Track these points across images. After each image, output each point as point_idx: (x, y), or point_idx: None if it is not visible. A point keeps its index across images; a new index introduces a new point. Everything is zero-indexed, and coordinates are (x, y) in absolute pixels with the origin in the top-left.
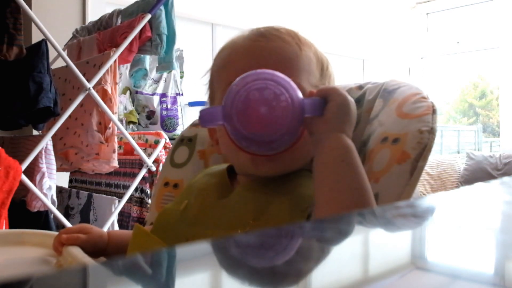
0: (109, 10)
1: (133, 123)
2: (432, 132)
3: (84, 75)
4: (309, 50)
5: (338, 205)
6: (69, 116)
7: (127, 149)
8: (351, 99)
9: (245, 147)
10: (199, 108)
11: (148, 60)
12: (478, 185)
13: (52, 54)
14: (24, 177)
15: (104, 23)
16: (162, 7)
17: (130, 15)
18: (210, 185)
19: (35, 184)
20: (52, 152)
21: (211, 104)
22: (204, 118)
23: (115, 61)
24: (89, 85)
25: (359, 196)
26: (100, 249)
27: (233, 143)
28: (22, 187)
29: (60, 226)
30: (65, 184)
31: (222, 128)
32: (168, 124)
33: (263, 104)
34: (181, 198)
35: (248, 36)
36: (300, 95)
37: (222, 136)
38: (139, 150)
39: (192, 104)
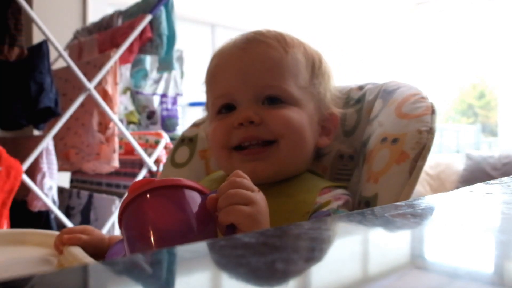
0: (109, 11)
1: (134, 123)
2: (431, 132)
3: (85, 75)
4: (297, 52)
5: None
6: (70, 116)
7: (128, 149)
8: (258, 210)
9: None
10: (200, 108)
11: (149, 61)
12: (478, 185)
13: (53, 54)
14: (25, 177)
15: (105, 24)
16: (162, 8)
17: (130, 15)
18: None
19: (36, 184)
20: (53, 152)
21: (207, 111)
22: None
23: (115, 61)
24: (90, 86)
25: None
26: (100, 252)
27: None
28: (23, 187)
29: (61, 226)
30: (65, 184)
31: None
32: (168, 124)
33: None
34: None
35: (235, 42)
36: None
37: (212, 148)
38: (140, 150)
39: (192, 104)
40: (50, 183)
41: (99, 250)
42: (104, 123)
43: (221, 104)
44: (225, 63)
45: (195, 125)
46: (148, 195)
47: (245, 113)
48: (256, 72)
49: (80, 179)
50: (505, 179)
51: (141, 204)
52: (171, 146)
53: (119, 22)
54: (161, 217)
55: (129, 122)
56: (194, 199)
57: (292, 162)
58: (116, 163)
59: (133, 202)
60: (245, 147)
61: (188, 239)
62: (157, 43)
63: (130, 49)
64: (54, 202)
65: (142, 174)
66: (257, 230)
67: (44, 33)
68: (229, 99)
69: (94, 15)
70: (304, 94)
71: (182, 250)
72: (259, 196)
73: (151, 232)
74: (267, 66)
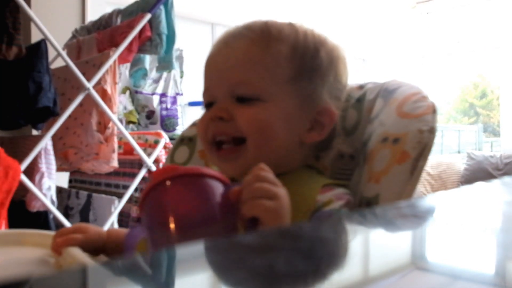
0: (108, 9)
1: (133, 123)
2: (432, 131)
3: (83, 74)
4: (281, 44)
5: None
6: (69, 116)
7: (127, 149)
8: (281, 205)
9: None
10: (199, 108)
11: (148, 60)
12: (479, 184)
13: (51, 53)
14: (23, 177)
15: (104, 22)
16: (162, 7)
17: (130, 14)
18: None
19: (34, 184)
20: (52, 152)
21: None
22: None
23: (114, 60)
24: (89, 85)
25: None
26: (99, 247)
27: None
28: (22, 187)
29: (59, 226)
30: (64, 184)
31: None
32: (168, 124)
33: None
34: None
35: (222, 36)
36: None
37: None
38: (139, 150)
39: (192, 104)
40: (49, 183)
41: (97, 245)
42: (103, 122)
43: (204, 98)
44: (210, 57)
45: (195, 124)
46: (170, 182)
47: (215, 109)
48: (230, 68)
49: (79, 179)
50: (506, 179)
51: (162, 191)
52: (171, 145)
53: (118, 21)
54: (182, 205)
55: (128, 122)
56: (217, 189)
57: (262, 161)
58: (115, 163)
59: (155, 189)
60: (221, 146)
61: (208, 228)
62: (157, 42)
63: (129, 48)
64: (52, 202)
65: (141, 174)
66: (257, 231)
67: (42, 32)
68: (209, 94)
69: (93, 14)
70: (282, 90)
71: (182, 250)
72: (282, 191)
73: (172, 220)
74: (241, 61)
